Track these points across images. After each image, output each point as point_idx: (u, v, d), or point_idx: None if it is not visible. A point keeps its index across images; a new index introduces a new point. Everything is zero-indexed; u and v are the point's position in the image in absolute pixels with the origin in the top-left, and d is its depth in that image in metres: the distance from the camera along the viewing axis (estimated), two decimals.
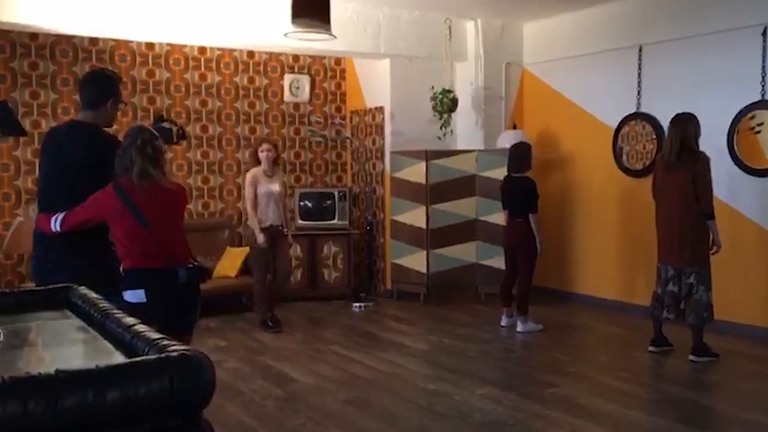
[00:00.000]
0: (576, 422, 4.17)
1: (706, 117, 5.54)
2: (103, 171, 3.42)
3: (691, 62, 6.45)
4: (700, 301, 5.22)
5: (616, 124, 7.16)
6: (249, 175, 6.57)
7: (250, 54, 8.10)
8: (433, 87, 7.60)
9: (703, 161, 5.22)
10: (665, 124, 6.20)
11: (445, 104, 7.55)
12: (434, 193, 7.54)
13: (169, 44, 7.54)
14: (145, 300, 3.32)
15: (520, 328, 6.33)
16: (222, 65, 7.97)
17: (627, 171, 7.13)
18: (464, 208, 7.59)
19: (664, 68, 6.71)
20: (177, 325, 3.32)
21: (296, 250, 7.73)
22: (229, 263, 7.39)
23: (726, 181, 5.96)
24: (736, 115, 6.06)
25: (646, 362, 5.49)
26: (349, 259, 7.98)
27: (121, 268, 3.41)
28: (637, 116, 6.98)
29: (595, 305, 7.36)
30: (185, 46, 7.64)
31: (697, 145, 5.29)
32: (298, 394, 4.73)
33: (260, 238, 6.33)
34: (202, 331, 6.60)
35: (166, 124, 3.96)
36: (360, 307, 7.51)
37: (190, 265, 3.42)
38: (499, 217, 7.03)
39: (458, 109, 7.69)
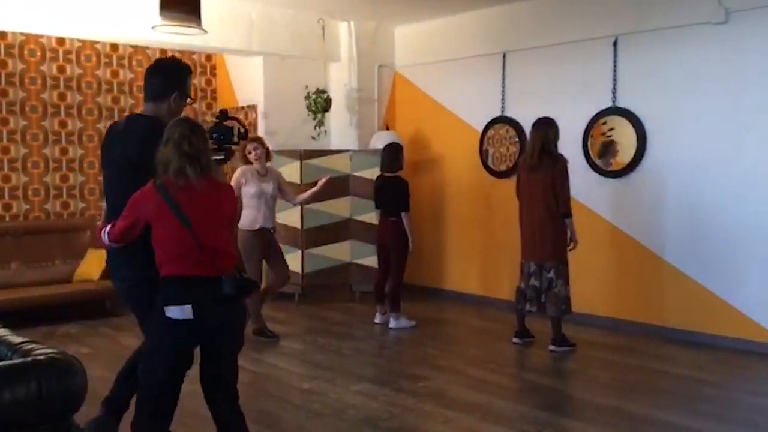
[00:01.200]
0: (447, 413, 4.32)
1: (564, 122, 5.90)
2: (140, 170, 3.07)
3: (551, 70, 6.85)
4: (559, 295, 5.56)
5: (483, 127, 7.47)
6: (236, 173, 6.13)
7: (114, 47, 7.74)
8: (307, 87, 7.60)
9: (562, 163, 5.56)
10: (527, 127, 6.56)
11: (319, 104, 7.57)
12: None
13: (23, 33, 7.05)
14: (192, 316, 2.85)
15: (392, 324, 6.46)
16: (83, 57, 7.56)
17: (492, 172, 7.46)
18: (338, 207, 7.63)
19: (526, 75, 7.07)
20: (224, 346, 3.00)
21: None
22: (91, 266, 7.02)
23: (581, 183, 6.37)
24: (590, 121, 6.50)
25: (510, 353, 5.76)
26: None
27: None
28: (502, 120, 7.32)
29: (463, 301, 7.64)
30: (42, 36, 7.18)
31: (556, 148, 5.63)
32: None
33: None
34: (61, 337, 6.23)
35: (228, 122, 3.62)
36: None
37: (236, 275, 2.97)
38: (372, 217, 7.14)
39: (332, 109, 7.74)
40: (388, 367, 5.43)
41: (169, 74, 3.35)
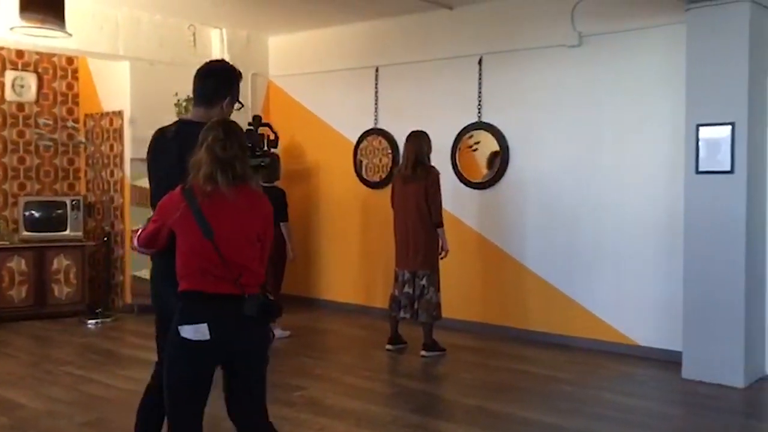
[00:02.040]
0: (323, 421, 4.36)
1: (434, 135, 6.12)
2: None
3: (421, 85, 7.10)
4: (431, 301, 5.76)
5: (357, 138, 7.60)
6: None
7: None
8: (177, 93, 7.38)
9: (435, 175, 5.78)
10: (400, 139, 6.77)
11: (190, 111, 7.38)
12: None
13: None
14: (208, 337, 2.61)
15: (278, 334, 6.40)
16: None
17: (366, 183, 7.60)
18: None
19: (398, 88, 7.28)
20: (247, 368, 2.77)
21: (20, 264, 7.00)
22: None
23: (451, 194, 6.63)
24: (458, 134, 6.79)
25: (384, 360, 5.88)
26: (83, 273, 7.43)
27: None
28: (375, 132, 7.48)
29: (338, 310, 7.71)
30: None
31: (429, 160, 5.84)
32: (27, 421, 4.32)
33: None
34: None
35: (264, 129, 3.37)
36: (96, 323, 7.04)
37: (261, 295, 2.71)
38: None
39: None
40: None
41: (223, 78, 3.18)
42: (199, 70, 3.20)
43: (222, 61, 3.31)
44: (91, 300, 7.46)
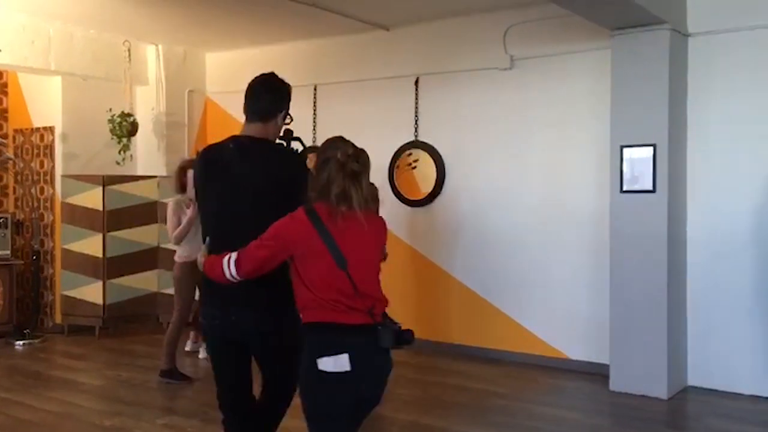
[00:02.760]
0: None
1: (372, 153, 6.18)
2: (294, 197, 2.72)
3: (359, 103, 7.18)
4: None
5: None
6: (172, 203, 5.58)
7: None
8: (111, 109, 7.28)
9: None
10: None
11: (125, 128, 7.28)
12: (112, 219, 7.21)
13: None
14: (348, 368, 2.47)
15: (202, 354, 6.33)
16: None
17: None
18: (145, 235, 7.37)
19: (336, 107, 7.34)
20: (373, 399, 2.66)
21: None
22: None
23: (389, 211, 6.67)
24: (395, 153, 6.89)
25: None
26: (10, 293, 7.19)
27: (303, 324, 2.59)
28: (314, 149, 7.49)
29: None
30: None
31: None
32: None
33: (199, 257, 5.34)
34: None
35: (295, 144, 3.27)
36: (24, 344, 6.82)
37: (396, 325, 2.57)
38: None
39: (139, 133, 7.48)
40: (198, 399, 5.30)
41: (280, 92, 3.07)
42: (253, 85, 3.08)
43: (274, 75, 3.14)
44: (18, 320, 7.22)
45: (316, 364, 2.46)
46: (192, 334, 6.52)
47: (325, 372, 2.46)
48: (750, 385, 5.26)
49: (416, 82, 6.79)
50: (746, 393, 5.25)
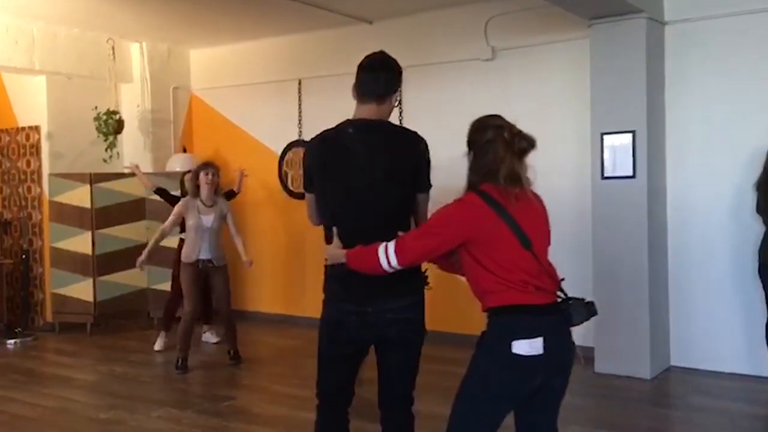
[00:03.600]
0: (251, 428, 4.43)
1: None
2: (419, 182, 2.79)
3: (344, 97, 7.13)
4: None
5: (282, 150, 7.69)
6: (178, 206, 5.85)
7: None
8: (96, 107, 7.31)
9: None
10: None
11: (111, 126, 7.32)
12: (100, 217, 7.25)
13: None
14: (542, 352, 2.37)
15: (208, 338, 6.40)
16: None
17: (292, 194, 7.68)
18: (133, 232, 7.42)
19: (321, 101, 7.40)
20: (558, 388, 2.52)
21: None
22: None
23: None
24: None
25: (311, 368, 5.94)
26: (0, 292, 7.22)
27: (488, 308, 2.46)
28: (300, 144, 7.58)
29: (264, 321, 7.74)
30: None
31: None
32: None
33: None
34: None
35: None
36: (15, 343, 6.86)
37: (584, 299, 2.48)
38: (171, 241, 7.01)
39: (125, 131, 7.51)
40: (191, 391, 5.40)
41: (395, 71, 2.90)
42: (368, 64, 2.88)
43: (386, 53, 2.97)
44: (9, 319, 7.26)
45: (508, 347, 2.36)
46: (166, 333, 6.55)
47: (519, 356, 2.36)
48: (730, 363, 5.41)
49: (400, 74, 6.86)
50: (726, 371, 5.39)
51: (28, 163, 7.61)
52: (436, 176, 7.27)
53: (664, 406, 5.02)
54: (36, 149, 7.52)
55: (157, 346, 6.51)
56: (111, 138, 7.35)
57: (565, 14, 5.43)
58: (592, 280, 5.56)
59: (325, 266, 2.78)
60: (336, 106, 7.18)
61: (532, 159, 6.63)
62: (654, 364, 5.40)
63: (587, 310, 2.46)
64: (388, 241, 2.50)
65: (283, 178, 7.72)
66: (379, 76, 2.82)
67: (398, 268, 2.47)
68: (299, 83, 7.55)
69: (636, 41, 5.31)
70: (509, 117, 6.69)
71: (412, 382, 2.96)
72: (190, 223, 5.77)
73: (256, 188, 7.92)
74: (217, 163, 8.05)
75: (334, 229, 2.67)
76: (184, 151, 8.02)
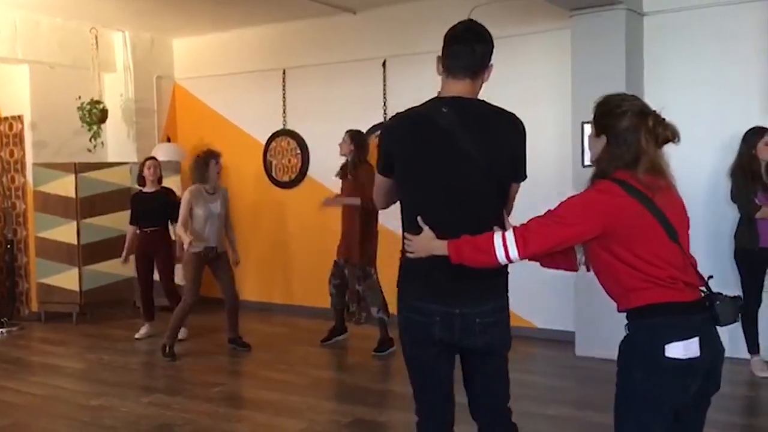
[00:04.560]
0: (242, 413, 4.52)
1: (338, 136, 6.32)
2: (522, 171, 2.55)
3: (328, 86, 7.30)
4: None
5: (266, 139, 7.73)
6: (187, 194, 5.85)
7: None
8: (80, 97, 7.30)
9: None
10: (309, 140, 6.98)
11: (94, 115, 7.32)
12: (85, 207, 7.26)
13: None
14: (698, 354, 2.15)
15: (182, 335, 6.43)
16: None
17: (276, 183, 7.74)
18: (120, 221, 7.41)
19: (305, 90, 7.45)
20: (711, 393, 2.28)
21: None
22: None
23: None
24: (365, 133, 7.03)
25: (299, 354, 6.04)
26: None
27: (628, 307, 2.24)
28: (284, 133, 7.63)
29: (250, 309, 7.77)
30: None
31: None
32: None
33: (186, 239, 5.66)
34: None
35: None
36: (2, 333, 6.87)
37: (732, 296, 2.23)
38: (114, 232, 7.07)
39: (109, 120, 7.52)
40: (180, 377, 5.46)
41: (491, 43, 2.51)
42: (462, 34, 2.51)
43: (474, 21, 2.59)
44: None
45: (662, 352, 2.14)
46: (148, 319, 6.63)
47: (674, 359, 2.13)
48: None
49: (384, 64, 6.94)
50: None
51: (12, 153, 7.59)
52: None
53: None
54: (19, 139, 7.50)
55: (139, 335, 6.57)
56: (95, 128, 7.35)
57: (546, 5, 5.52)
58: None
59: (401, 258, 2.50)
60: (320, 95, 7.36)
61: None
62: None
63: (735, 308, 2.21)
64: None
65: (267, 167, 7.77)
66: (475, 48, 2.46)
67: (517, 260, 2.23)
68: (284, 73, 7.59)
69: (615, 32, 5.42)
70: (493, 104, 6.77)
71: (506, 392, 2.64)
72: (199, 211, 5.80)
73: (241, 177, 7.97)
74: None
75: (419, 218, 2.38)
76: (169, 140, 8.04)
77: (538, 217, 2.27)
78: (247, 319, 7.41)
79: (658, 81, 5.66)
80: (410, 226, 2.44)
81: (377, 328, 5.84)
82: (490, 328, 2.46)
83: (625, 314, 2.26)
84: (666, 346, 2.13)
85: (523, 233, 2.23)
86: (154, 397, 4.82)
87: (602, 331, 5.54)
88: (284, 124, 7.64)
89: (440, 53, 2.53)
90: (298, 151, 7.54)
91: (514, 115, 2.52)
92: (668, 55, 5.63)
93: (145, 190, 6.47)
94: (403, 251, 2.46)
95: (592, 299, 5.54)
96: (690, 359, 2.14)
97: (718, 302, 2.19)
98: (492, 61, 2.51)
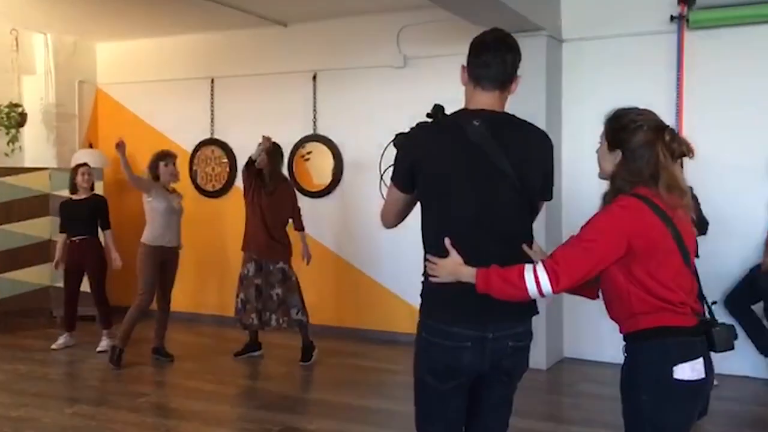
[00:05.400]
0: (169, 423, 4.50)
1: None
2: (550, 190, 2.39)
3: (257, 97, 7.34)
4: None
5: (192, 148, 7.68)
6: (147, 182, 5.88)
7: None
8: None
9: (290, 185, 6.07)
10: (236, 149, 6.99)
11: (13, 119, 7.11)
12: (1, 212, 7.03)
13: None
14: (704, 375, 2.16)
15: (102, 346, 6.30)
16: None
17: (202, 192, 7.69)
18: (36, 228, 7.22)
19: (235, 100, 7.46)
20: (702, 414, 2.31)
21: None
22: None
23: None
24: (294, 146, 7.12)
25: (225, 364, 6.04)
26: None
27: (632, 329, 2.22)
28: (211, 142, 7.61)
29: (173, 319, 7.57)
30: None
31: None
32: None
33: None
34: None
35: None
36: None
37: (725, 323, 2.24)
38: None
39: (28, 124, 7.30)
40: (103, 388, 5.37)
41: (519, 52, 2.35)
42: (492, 42, 2.34)
43: (502, 29, 2.41)
44: None
45: (669, 373, 2.13)
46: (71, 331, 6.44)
47: (682, 381, 2.13)
48: (619, 353, 5.90)
49: (314, 78, 7.05)
50: (616, 361, 5.87)
51: None
52: (347, 175, 7.42)
53: (559, 393, 5.46)
54: None
55: (56, 345, 6.35)
56: (13, 131, 7.15)
57: (473, 27, 5.75)
58: None
59: (425, 281, 2.34)
60: (250, 105, 7.40)
61: None
62: (549, 355, 5.85)
63: (731, 335, 2.21)
64: (511, 258, 2.18)
65: (192, 175, 7.71)
66: (505, 58, 2.30)
67: (550, 295, 2.14)
68: (212, 82, 7.58)
69: (537, 56, 5.73)
70: (420, 121, 6.99)
71: (508, 420, 2.54)
72: (159, 205, 5.76)
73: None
74: (125, 160, 7.98)
75: (447, 241, 2.22)
76: (91, 146, 7.86)
77: (564, 245, 2.18)
78: (174, 329, 7.31)
79: (575, 102, 6.03)
80: (434, 248, 2.27)
81: (315, 340, 5.94)
82: (519, 352, 2.34)
83: (624, 336, 2.26)
84: (674, 368, 2.13)
85: (553, 267, 2.11)
86: (78, 408, 4.73)
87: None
88: (212, 133, 7.62)
89: (465, 62, 2.38)
90: (225, 160, 7.53)
91: (542, 130, 2.41)
92: (584, 79, 6.00)
93: (75, 197, 6.32)
94: (426, 274, 2.31)
95: None
96: (696, 381, 2.14)
97: (717, 328, 2.19)
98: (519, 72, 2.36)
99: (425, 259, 2.31)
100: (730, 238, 5.43)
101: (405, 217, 2.48)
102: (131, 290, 7.70)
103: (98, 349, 6.26)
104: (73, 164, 7.37)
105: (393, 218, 2.49)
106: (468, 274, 2.18)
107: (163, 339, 6.03)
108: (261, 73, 7.30)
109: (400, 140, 2.48)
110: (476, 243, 2.23)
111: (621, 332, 2.28)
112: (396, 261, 6.74)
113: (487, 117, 2.29)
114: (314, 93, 7.07)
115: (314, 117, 7.06)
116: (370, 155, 6.88)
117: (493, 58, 2.30)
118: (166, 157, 5.91)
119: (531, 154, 2.31)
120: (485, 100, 2.32)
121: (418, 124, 2.45)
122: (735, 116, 5.55)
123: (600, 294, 2.33)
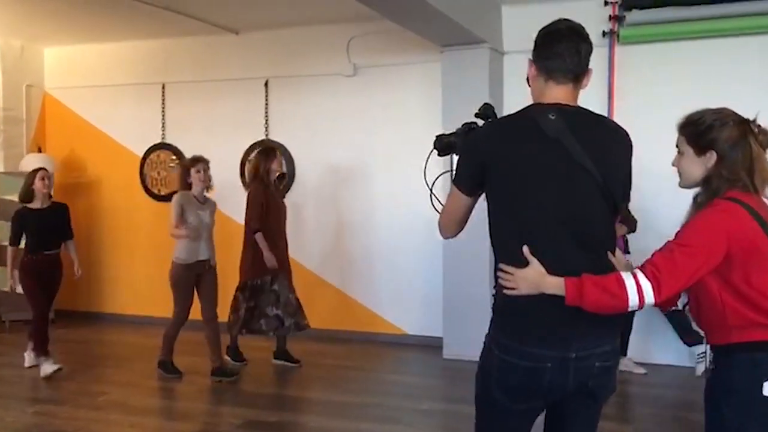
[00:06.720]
0: (133, 419, 4.64)
1: (224, 152, 6.54)
2: (629, 191, 2.19)
3: (210, 103, 7.48)
4: None
5: (143, 152, 7.76)
6: (177, 197, 5.44)
7: None
8: None
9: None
10: (188, 154, 7.12)
11: None
12: None
13: None
14: None
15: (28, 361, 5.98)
16: None
17: (153, 195, 7.78)
18: None
19: (186, 106, 7.58)
20: None
21: None
22: None
23: (242, 207, 7.07)
24: (246, 151, 7.28)
25: (181, 363, 6.13)
26: None
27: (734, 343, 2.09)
28: (162, 146, 7.70)
29: (122, 322, 7.74)
30: None
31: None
32: None
33: (182, 232, 5.30)
34: None
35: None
36: None
37: None
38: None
39: None
40: (63, 388, 5.41)
41: (591, 42, 2.17)
42: (566, 32, 2.15)
43: (571, 20, 2.21)
44: None
45: (759, 390, 2.04)
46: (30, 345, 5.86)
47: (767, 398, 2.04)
48: None
49: (266, 84, 7.25)
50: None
51: None
52: (299, 179, 7.65)
53: None
54: None
55: (27, 363, 5.84)
56: None
57: (419, 39, 6.09)
58: (442, 276, 6.26)
59: (496, 293, 2.14)
60: (201, 111, 7.56)
61: (389, 165, 7.22)
62: None
63: None
64: (595, 269, 2.00)
65: (143, 180, 7.79)
66: (580, 48, 2.12)
67: (651, 306, 1.99)
68: (163, 87, 7.68)
69: (480, 67, 6.09)
70: (369, 127, 7.30)
71: None
72: (190, 219, 5.39)
73: (115, 190, 7.92)
74: (75, 163, 8.01)
75: (526, 248, 2.03)
76: (39, 151, 7.85)
77: (661, 251, 2.03)
78: (120, 331, 7.41)
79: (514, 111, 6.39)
80: (508, 256, 2.08)
81: (270, 341, 6.09)
82: (606, 372, 2.12)
83: (711, 347, 2.18)
84: (765, 384, 2.04)
85: (654, 274, 1.95)
86: (40, 407, 4.82)
87: (468, 335, 6.10)
88: (163, 138, 7.71)
89: (531, 56, 2.24)
90: (172, 165, 7.62)
91: (622, 127, 2.22)
92: (524, 89, 6.35)
93: (33, 206, 5.68)
94: (498, 286, 2.11)
95: (459, 306, 6.16)
96: None
97: None
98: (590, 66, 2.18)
99: (497, 269, 2.11)
100: None
101: (466, 223, 2.32)
102: (83, 294, 7.75)
103: (26, 364, 5.81)
104: (23, 169, 7.37)
105: (455, 226, 2.33)
106: (554, 285, 1.99)
107: (220, 355, 5.57)
108: (213, 79, 7.45)
109: (457, 141, 2.37)
110: (557, 250, 2.03)
111: (708, 342, 2.20)
112: (348, 263, 7.01)
113: (565, 112, 2.09)
114: (266, 99, 7.26)
115: (266, 123, 7.25)
116: (323, 158, 7.16)
117: (566, 49, 2.11)
118: (197, 162, 5.46)
119: (613, 152, 2.11)
120: (559, 93, 2.13)
121: (465, 124, 2.36)
122: (661, 119, 6.00)
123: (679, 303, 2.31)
